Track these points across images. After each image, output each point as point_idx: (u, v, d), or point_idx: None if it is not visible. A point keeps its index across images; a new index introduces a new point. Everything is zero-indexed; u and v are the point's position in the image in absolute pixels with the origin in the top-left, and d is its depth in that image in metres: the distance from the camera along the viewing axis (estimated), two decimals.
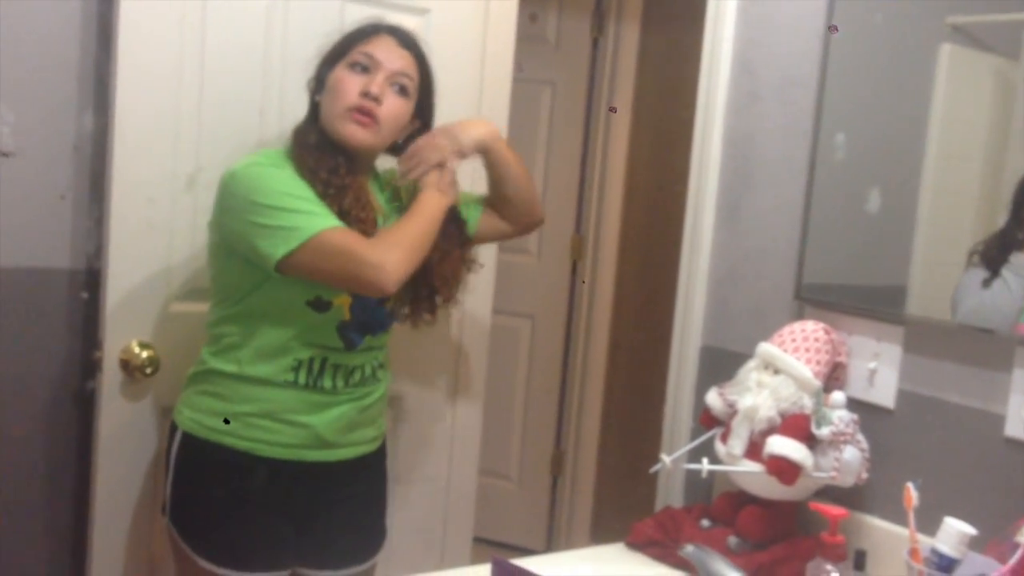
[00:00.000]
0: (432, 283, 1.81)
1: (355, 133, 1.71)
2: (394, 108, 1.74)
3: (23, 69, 1.85)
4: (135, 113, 1.87)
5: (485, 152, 1.86)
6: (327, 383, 1.74)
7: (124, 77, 1.85)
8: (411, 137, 1.82)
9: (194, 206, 1.93)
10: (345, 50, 1.75)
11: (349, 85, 1.71)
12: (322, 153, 1.71)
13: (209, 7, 1.93)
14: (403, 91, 1.75)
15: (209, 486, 1.76)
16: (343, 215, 1.67)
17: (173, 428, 1.80)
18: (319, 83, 1.77)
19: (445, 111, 1.93)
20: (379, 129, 1.72)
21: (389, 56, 1.74)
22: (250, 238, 1.65)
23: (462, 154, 1.81)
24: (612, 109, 3.60)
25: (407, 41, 1.78)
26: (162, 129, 1.91)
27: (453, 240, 1.84)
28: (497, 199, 1.93)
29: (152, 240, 1.93)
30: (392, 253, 1.62)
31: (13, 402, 1.91)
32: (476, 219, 1.93)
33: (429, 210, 1.72)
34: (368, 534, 1.91)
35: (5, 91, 1.83)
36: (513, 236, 2.02)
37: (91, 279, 1.94)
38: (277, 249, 1.61)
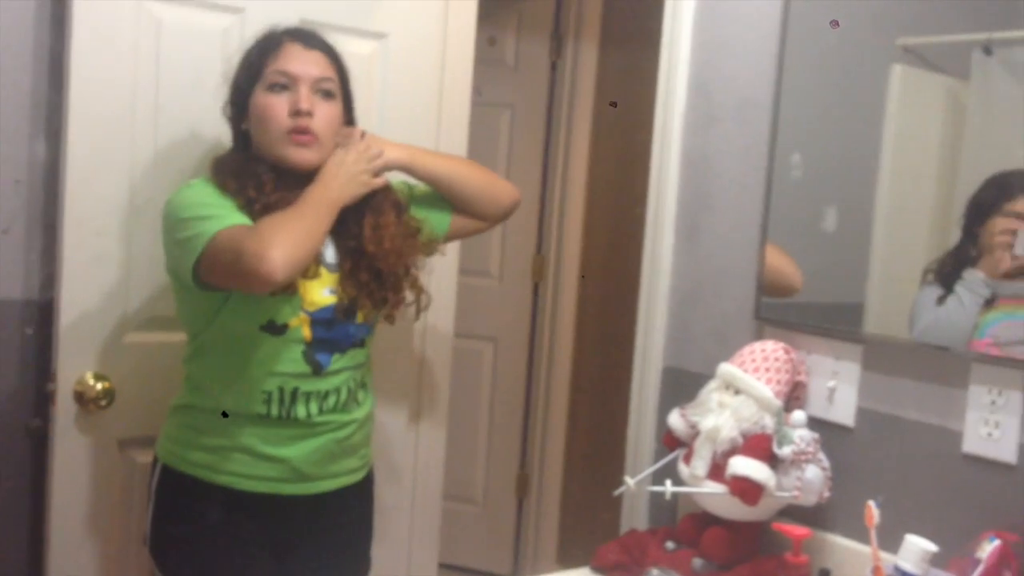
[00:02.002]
0: (374, 266, 1.73)
1: (301, 155, 1.68)
2: (327, 115, 1.70)
3: None
4: (87, 143, 1.85)
5: (408, 170, 1.82)
6: (300, 412, 1.71)
7: (76, 107, 1.82)
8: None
9: (149, 236, 1.89)
10: (257, 72, 1.70)
11: (277, 108, 1.67)
12: (243, 174, 1.68)
13: (164, 33, 1.91)
14: (328, 95, 1.71)
15: (188, 519, 1.73)
16: None
17: (155, 460, 1.78)
18: (238, 110, 1.74)
19: (405, 136, 1.93)
20: (321, 143, 1.69)
21: (303, 65, 1.69)
22: (174, 257, 1.65)
23: (381, 159, 1.75)
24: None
25: (313, 41, 1.73)
26: (116, 159, 1.88)
27: (385, 214, 1.76)
28: (457, 204, 1.88)
29: (106, 270, 1.90)
30: (275, 240, 1.54)
31: None
32: (446, 224, 1.88)
33: (311, 202, 1.64)
34: (350, 566, 1.88)
35: None
36: (493, 226, 1.96)
37: (41, 312, 1.90)
38: (189, 260, 1.60)
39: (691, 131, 1.99)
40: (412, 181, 1.88)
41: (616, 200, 3.53)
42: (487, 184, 1.90)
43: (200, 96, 1.95)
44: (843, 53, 1.78)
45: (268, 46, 1.72)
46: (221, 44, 1.97)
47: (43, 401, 1.91)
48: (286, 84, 1.68)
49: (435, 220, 1.86)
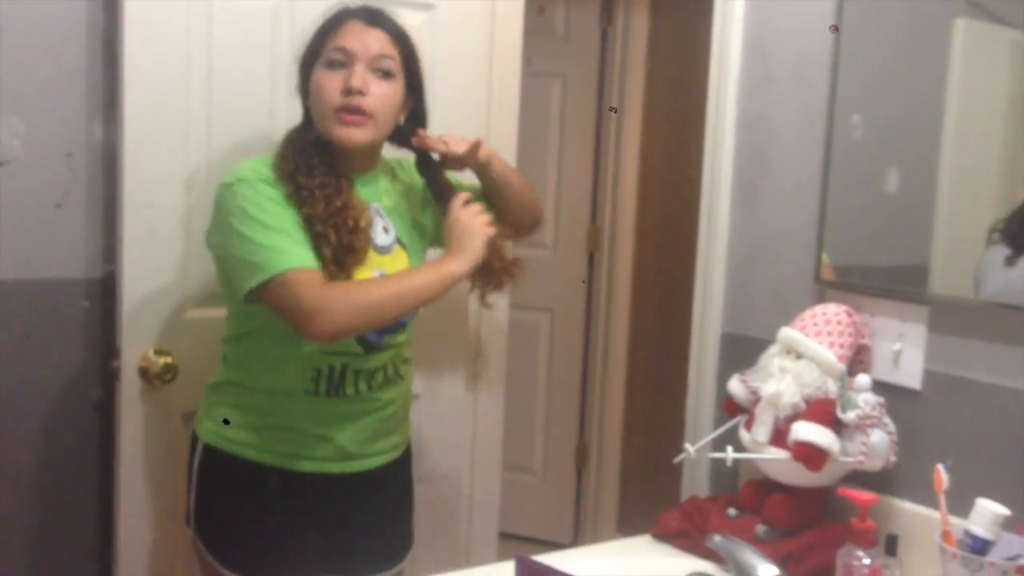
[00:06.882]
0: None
1: (349, 135, 1.66)
2: (383, 95, 1.67)
3: (30, 79, 1.84)
4: (143, 119, 1.87)
5: (485, 166, 1.83)
6: (349, 389, 1.72)
7: (131, 84, 1.85)
8: (412, 116, 1.78)
9: (206, 212, 1.91)
10: (318, 49, 1.69)
11: (330, 85, 1.65)
12: (300, 154, 1.67)
13: (215, 9, 1.92)
14: (387, 74, 1.67)
15: (232, 498, 1.74)
16: (312, 220, 1.61)
17: (194, 439, 1.78)
18: (303, 85, 1.72)
19: (455, 107, 1.93)
20: (373, 122, 1.66)
21: (362, 42, 1.65)
22: (227, 264, 1.64)
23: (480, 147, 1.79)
24: (612, 109, 3.58)
25: (376, 19, 1.69)
26: (171, 135, 1.90)
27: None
28: (501, 210, 1.89)
29: (165, 247, 1.92)
30: (338, 306, 1.55)
31: (32, 414, 1.91)
32: None
33: (442, 274, 1.65)
34: (394, 541, 1.89)
35: (14, 103, 1.83)
36: (515, 239, 2.00)
37: (103, 289, 1.94)
38: (245, 283, 1.58)
39: (747, 92, 1.95)
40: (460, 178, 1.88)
41: (670, 167, 3.50)
42: (532, 200, 1.96)
43: (253, 68, 1.97)
44: (904, 7, 1.73)
45: (330, 24, 1.70)
46: (272, 14, 1.98)
47: (108, 376, 1.95)
48: (343, 61, 1.66)
49: None
